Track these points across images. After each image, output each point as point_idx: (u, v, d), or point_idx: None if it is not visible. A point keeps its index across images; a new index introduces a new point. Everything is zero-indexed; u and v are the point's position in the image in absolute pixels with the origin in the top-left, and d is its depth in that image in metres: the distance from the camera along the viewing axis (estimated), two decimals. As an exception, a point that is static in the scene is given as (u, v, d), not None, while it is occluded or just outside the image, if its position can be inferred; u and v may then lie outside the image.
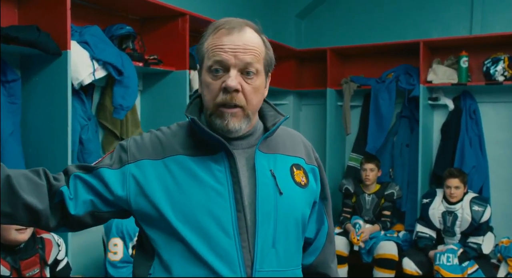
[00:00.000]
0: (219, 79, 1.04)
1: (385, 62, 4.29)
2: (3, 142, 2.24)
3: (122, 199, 1.07)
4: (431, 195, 3.69)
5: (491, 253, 3.50)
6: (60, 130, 2.34)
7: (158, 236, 1.06)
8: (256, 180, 1.08)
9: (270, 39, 1.28)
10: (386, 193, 3.86)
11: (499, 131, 3.96)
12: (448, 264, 3.31)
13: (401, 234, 3.85)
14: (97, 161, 1.13)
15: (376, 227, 3.78)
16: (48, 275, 2.13)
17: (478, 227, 3.46)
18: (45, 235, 2.15)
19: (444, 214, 3.55)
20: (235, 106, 1.04)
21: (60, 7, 2.31)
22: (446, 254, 3.35)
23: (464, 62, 3.82)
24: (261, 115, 1.18)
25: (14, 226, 1.91)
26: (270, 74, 1.15)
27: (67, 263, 2.26)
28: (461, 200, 3.51)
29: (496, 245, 3.52)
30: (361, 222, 3.84)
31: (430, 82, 3.96)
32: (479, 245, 3.43)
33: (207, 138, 1.08)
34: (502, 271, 3.37)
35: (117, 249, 2.35)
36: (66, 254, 2.26)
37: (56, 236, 2.19)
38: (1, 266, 1.91)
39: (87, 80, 2.47)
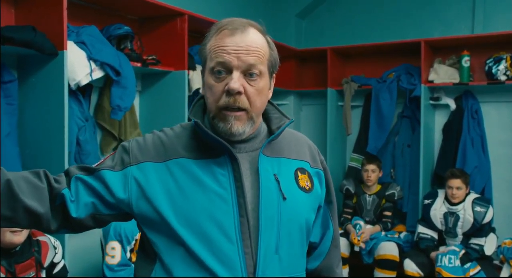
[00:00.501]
0: (222, 81, 1.03)
1: (386, 62, 4.28)
2: (-1, 143, 2.22)
3: (124, 202, 1.06)
4: (433, 196, 3.66)
5: (493, 254, 3.48)
6: (57, 131, 2.32)
7: (160, 239, 1.05)
8: (259, 184, 1.06)
9: (270, 39, 1.25)
10: (387, 193, 3.85)
11: (501, 132, 3.94)
12: (450, 265, 3.29)
13: (402, 235, 3.84)
14: (98, 162, 1.12)
15: (377, 227, 3.76)
16: (44, 278, 2.11)
17: (480, 228, 3.43)
18: (41, 238, 2.13)
19: (446, 215, 3.53)
20: (239, 109, 1.03)
21: (56, 7, 2.29)
22: (447, 255, 3.33)
23: (465, 62, 3.79)
24: (266, 117, 1.17)
25: (9, 228, 1.88)
26: (274, 75, 1.13)
27: (64, 266, 2.24)
28: (463, 200, 3.49)
29: (499, 246, 3.50)
30: (361, 222, 3.82)
31: (432, 82, 3.94)
32: (481, 246, 3.41)
33: (210, 141, 1.06)
34: (504, 273, 3.35)
35: (115, 253, 2.33)
36: (63, 257, 2.24)
37: (52, 239, 2.17)
38: (-4, 270, 1.89)
39: (84, 81, 2.45)
